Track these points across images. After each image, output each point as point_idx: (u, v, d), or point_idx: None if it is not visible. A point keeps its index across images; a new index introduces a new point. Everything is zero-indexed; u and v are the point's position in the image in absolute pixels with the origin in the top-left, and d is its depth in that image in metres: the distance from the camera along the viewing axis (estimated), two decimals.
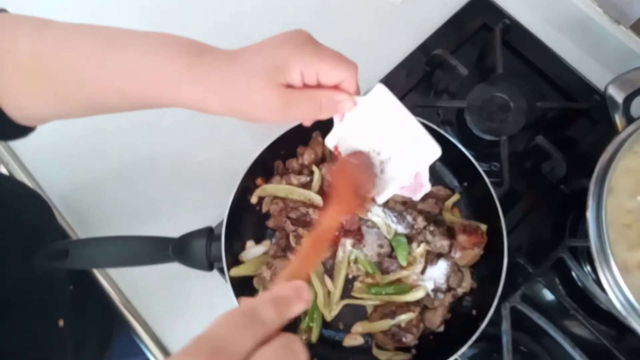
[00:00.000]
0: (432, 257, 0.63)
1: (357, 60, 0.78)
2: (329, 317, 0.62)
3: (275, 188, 0.64)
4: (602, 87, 0.72)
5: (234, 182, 0.61)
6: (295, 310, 0.35)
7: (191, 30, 0.50)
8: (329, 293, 0.63)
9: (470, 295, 0.64)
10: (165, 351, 0.67)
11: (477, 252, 0.63)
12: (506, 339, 0.61)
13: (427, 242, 0.62)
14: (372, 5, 0.83)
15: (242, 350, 0.31)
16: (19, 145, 0.78)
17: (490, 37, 0.76)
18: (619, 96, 0.61)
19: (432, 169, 0.66)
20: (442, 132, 0.64)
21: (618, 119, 0.61)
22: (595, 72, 0.76)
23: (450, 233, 0.64)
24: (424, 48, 0.79)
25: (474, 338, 0.57)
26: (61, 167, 0.76)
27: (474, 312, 0.63)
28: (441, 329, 0.63)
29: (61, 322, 0.59)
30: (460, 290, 0.63)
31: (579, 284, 0.65)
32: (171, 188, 0.74)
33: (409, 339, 0.59)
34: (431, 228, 0.62)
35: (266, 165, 0.67)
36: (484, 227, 0.63)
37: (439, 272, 0.62)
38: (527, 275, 0.65)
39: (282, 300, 0.34)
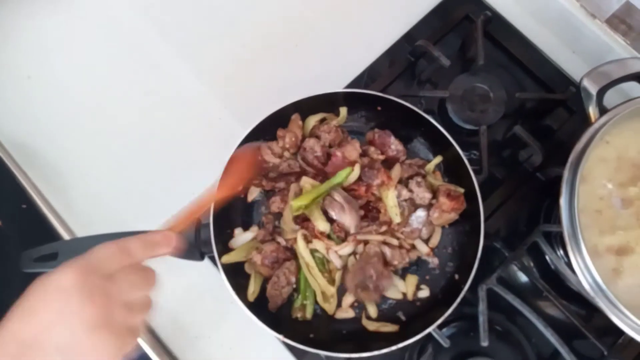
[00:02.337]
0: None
1: (344, 48, 0.81)
2: (332, 310, 0.64)
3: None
4: (579, 79, 0.75)
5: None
6: (160, 251, 0.46)
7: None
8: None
9: (452, 261, 0.68)
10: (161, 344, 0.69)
11: (453, 216, 0.66)
12: (482, 319, 0.63)
13: (411, 191, 0.65)
14: None
15: (108, 270, 0.42)
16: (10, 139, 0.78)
17: (472, 28, 0.78)
18: (592, 88, 0.63)
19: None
20: (422, 113, 0.67)
21: (592, 110, 0.63)
22: (573, 63, 0.79)
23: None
24: (409, 37, 0.81)
25: (458, 299, 0.60)
26: (50, 160, 0.77)
27: (456, 276, 0.66)
28: (426, 293, 0.66)
29: None
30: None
31: (552, 267, 0.68)
32: (155, 179, 0.75)
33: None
34: (419, 179, 0.65)
35: None
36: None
37: (416, 220, 0.66)
38: (503, 259, 0.68)
39: (150, 241, 0.46)
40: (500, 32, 0.80)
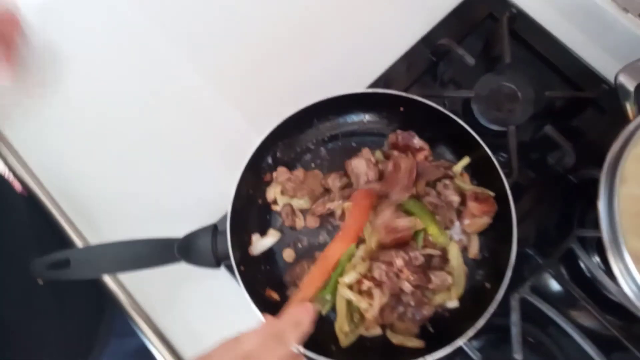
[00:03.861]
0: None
1: (361, 51, 0.79)
2: (344, 343, 0.60)
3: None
4: (609, 77, 0.71)
5: (234, 174, 0.60)
6: (306, 328, 0.46)
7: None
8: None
9: (482, 269, 0.64)
10: (172, 350, 0.67)
11: (486, 220, 0.62)
12: (515, 330, 0.60)
13: (438, 194, 0.62)
14: None
15: None
16: (17, 139, 0.77)
17: (496, 26, 0.75)
18: (630, 84, 0.60)
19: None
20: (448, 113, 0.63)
21: (629, 107, 0.60)
22: (603, 61, 0.75)
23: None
24: (428, 40, 0.78)
25: (491, 310, 0.56)
26: (61, 168, 0.75)
27: (487, 285, 0.62)
28: (455, 304, 0.62)
29: None
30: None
31: (588, 274, 0.64)
32: (166, 183, 0.74)
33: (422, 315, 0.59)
34: (446, 181, 0.62)
35: (267, 156, 0.66)
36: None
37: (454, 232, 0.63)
38: (536, 266, 0.64)
39: (297, 321, 0.46)
40: (526, 30, 0.77)
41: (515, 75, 0.71)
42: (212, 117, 0.76)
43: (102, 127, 0.76)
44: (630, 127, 0.57)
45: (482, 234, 0.64)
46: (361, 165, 0.62)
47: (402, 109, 0.67)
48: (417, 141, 0.65)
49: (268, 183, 0.65)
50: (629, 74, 0.60)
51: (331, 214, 0.64)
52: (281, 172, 0.63)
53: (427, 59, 0.76)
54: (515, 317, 0.60)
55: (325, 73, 0.76)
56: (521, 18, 0.77)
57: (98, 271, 0.58)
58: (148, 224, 0.69)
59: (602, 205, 0.54)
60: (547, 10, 0.78)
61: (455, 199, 0.61)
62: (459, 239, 0.64)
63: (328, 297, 0.58)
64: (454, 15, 0.79)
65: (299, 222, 0.63)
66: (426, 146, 0.66)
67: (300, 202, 0.63)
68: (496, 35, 0.74)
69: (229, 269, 0.58)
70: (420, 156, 0.65)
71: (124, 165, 0.75)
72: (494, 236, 0.64)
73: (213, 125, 0.76)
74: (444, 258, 0.63)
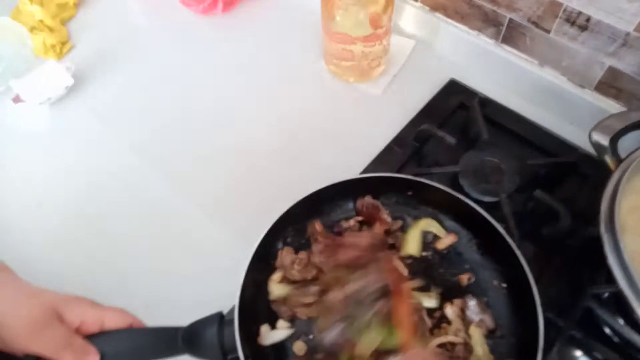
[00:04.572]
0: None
1: (344, 148, 0.83)
2: None
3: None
4: (582, 145, 0.76)
5: (241, 259, 0.58)
6: None
7: None
8: None
9: (504, 348, 0.60)
10: None
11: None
12: None
13: None
14: (356, 98, 0.90)
15: None
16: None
17: (469, 110, 0.81)
18: (604, 139, 0.64)
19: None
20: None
21: (609, 160, 0.63)
22: (573, 133, 0.80)
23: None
24: (406, 131, 0.83)
25: None
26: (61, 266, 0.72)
27: None
28: None
29: None
30: None
31: (610, 329, 0.61)
32: (173, 266, 0.72)
33: None
34: None
35: (277, 241, 0.65)
36: None
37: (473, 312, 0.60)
38: (556, 330, 0.61)
39: None
40: (496, 113, 0.83)
41: (495, 150, 0.75)
42: (217, 199, 0.78)
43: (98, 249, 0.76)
44: (615, 177, 0.60)
45: (493, 308, 0.62)
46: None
47: (410, 193, 0.68)
48: (384, 214, 0.66)
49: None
50: (601, 131, 0.64)
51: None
52: (286, 253, 0.61)
53: (410, 146, 0.81)
54: None
55: (314, 171, 0.78)
56: (490, 104, 0.84)
57: None
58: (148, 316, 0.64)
59: (612, 262, 0.54)
60: (512, 96, 0.86)
61: None
62: (479, 320, 0.61)
63: None
64: (429, 108, 0.86)
65: (302, 312, 0.60)
66: (389, 219, 0.66)
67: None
68: (471, 117, 0.80)
69: None
70: (381, 229, 0.64)
71: (120, 282, 0.72)
72: (511, 307, 0.62)
73: (223, 217, 0.76)
74: (467, 346, 0.59)
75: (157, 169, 0.81)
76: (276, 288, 0.60)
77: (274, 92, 0.91)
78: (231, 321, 0.52)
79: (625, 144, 0.64)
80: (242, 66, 0.95)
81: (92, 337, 0.47)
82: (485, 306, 0.62)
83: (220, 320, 0.52)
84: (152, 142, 0.85)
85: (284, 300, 0.60)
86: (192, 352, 0.50)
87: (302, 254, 0.62)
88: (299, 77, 0.93)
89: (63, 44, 0.98)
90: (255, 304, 0.59)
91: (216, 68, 0.95)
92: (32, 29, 0.97)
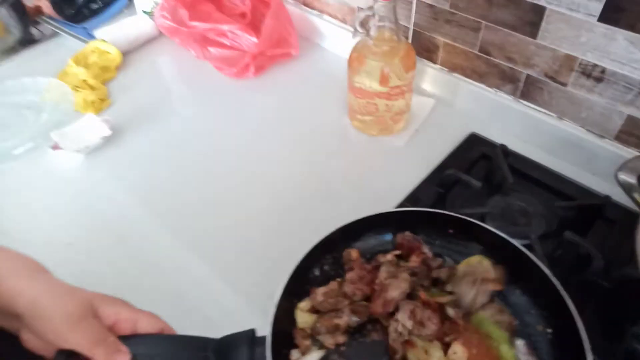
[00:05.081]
0: None
1: (369, 197, 0.84)
2: None
3: None
4: (606, 192, 0.77)
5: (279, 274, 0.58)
6: None
7: None
8: None
9: None
10: None
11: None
12: None
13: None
14: (380, 150, 0.93)
15: None
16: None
17: (492, 158, 0.83)
18: (631, 178, 0.65)
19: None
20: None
21: (638, 198, 0.63)
22: (596, 182, 0.81)
23: None
24: (430, 179, 0.85)
25: None
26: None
27: None
28: None
29: None
30: None
31: None
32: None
33: None
34: None
35: (314, 268, 0.64)
36: None
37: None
38: None
39: None
40: (518, 163, 0.85)
41: (520, 195, 0.76)
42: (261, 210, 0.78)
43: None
44: None
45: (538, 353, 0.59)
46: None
47: (451, 231, 0.67)
48: (424, 249, 0.65)
49: None
50: (626, 171, 0.65)
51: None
52: (319, 292, 0.60)
53: (434, 193, 0.82)
54: None
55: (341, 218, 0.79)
56: (511, 154, 0.86)
57: None
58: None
59: None
60: (532, 149, 0.88)
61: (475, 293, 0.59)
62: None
63: None
64: (450, 159, 0.88)
65: (327, 340, 0.58)
66: (430, 254, 0.65)
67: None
68: (494, 163, 0.82)
69: None
70: (418, 261, 0.63)
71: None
72: (556, 353, 0.59)
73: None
74: None
75: (179, 224, 0.82)
76: (302, 316, 0.59)
77: (302, 147, 0.94)
78: (263, 340, 0.51)
79: None
80: (271, 125, 0.99)
81: (125, 338, 0.46)
82: (532, 348, 0.59)
83: (252, 337, 0.50)
84: (177, 195, 0.87)
85: (309, 329, 0.58)
86: None
87: (333, 284, 0.61)
88: (325, 133, 0.97)
89: (102, 100, 1.04)
90: (288, 327, 0.58)
91: (247, 127, 0.99)
92: (75, 88, 1.05)
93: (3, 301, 0.45)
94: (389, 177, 0.88)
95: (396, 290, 0.57)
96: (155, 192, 0.87)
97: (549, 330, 0.60)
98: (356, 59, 0.87)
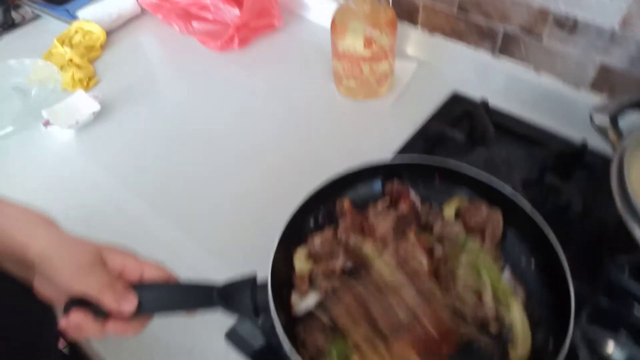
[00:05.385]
0: None
1: (362, 151, 0.87)
2: None
3: None
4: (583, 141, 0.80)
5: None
6: None
7: None
8: None
9: (541, 328, 0.59)
10: None
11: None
12: None
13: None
14: (366, 113, 0.95)
15: None
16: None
17: (475, 113, 0.86)
18: (604, 119, 0.68)
19: None
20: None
21: (611, 135, 0.67)
22: (573, 132, 0.84)
23: None
24: (417, 136, 0.88)
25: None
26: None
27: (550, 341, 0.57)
28: None
29: None
30: None
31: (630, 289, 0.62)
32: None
33: None
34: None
35: (309, 219, 0.67)
36: None
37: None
38: (583, 298, 0.61)
39: None
40: (499, 118, 0.88)
41: (502, 146, 0.80)
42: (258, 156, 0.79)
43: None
44: (619, 150, 0.63)
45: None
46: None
47: (437, 179, 0.70)
48: (411, 192, 0.68)
49: None
50: (600, 112, 0.69)
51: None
52: (315, 238, 0.63)
53: (420, 149, 0.85)
54: (584, 356, 0.56)
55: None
56: (492, 110, 0.89)
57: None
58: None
59: (628, 220, 0.57)
60: (513, 104, 0.91)
61: (460, 229, 0.62)
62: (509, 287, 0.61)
63: None
64: (435, 117, 0.91)
65: (323, 283, 0.61)
66: (418, 202, 0.69)
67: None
68: (476, 118, 0.85)
69: None
70: (406, 208, 0.67)
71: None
72: (539, 282, 0.63)
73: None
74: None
75: (170, 195, 0.84)
76: (300, 262, 0.62)
77: (291, 115, 0.96)
78: (264, 283, 0.54)
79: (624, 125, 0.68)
80: (258, 96, 1.01)
81: (132, 286, 0.49)
82: (517, 276, 0.62)
83: (254, 281, 0.53)
84: (170, 167, 0.89)
85: (307, 274, 0.61)
86: (227, 307, 0.51)
87: (328, 231, 0.64)
88: (311, 100, 0.99)
89: (90, 78, 1.05)
90: (287, 273, 0.61)
91: (234, 98, 1.01)
92: (62, 67, 1.05)
93: (17, 251, 0.47)
94: (376, 138, 0.90)
95: (383, 227, 0.60)
96: (146, 166, 0.89)
97: (532, 260, 0.64)
98: (338, 22, 0.89)
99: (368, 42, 0.87)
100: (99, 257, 0.48)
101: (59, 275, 0.46)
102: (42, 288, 0.48)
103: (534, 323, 0.59)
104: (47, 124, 0.94)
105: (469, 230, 0.65)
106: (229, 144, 0.92)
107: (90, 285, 0.46)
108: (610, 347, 0.58)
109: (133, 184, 0.86)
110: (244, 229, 0.78)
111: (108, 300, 0.47)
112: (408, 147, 0.86)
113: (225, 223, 0.79)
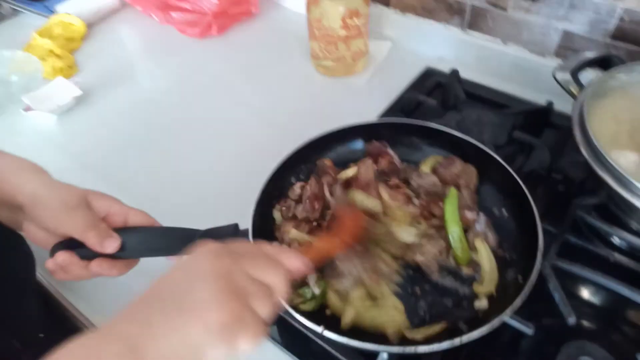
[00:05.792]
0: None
1: (342, 123, 0.89)
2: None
3: None
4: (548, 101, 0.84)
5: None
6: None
7: None
8: None
9: (512, 267, 0.62)
10: None
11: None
12: (559, 295, 0.58)
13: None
14: (343, 89, 0.98)
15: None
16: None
17: (446, 83, 0.90)
18: (566, 75, 0.72)
19: None
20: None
21: (573, 89, 0.71)
22: (541, 98, 0.88)
23: None
24: (392, 108, 0.91)
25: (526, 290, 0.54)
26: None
27: (519, 277, 0.59)
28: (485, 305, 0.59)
29: None
30: None
31: (597, 227, 0.66)
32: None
33: None
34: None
35: (290, 177, 0.70)
36: None
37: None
38: (552, 236, 0.64)
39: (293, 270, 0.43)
40: (471, 87, 0.92)
41: (474, 110, 0.83)
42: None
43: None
44: (580, 97, 0.67)
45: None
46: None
47: (414, 138, 0.74)
48: (389, 150, 0.72)
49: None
50: (562, 70, 0.73)
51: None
52: (296, 186, 0.66)
53: (398, 117, 0.88)
54: (553, 284, 0.59)
55: None
56: (464, 81, 0.93)
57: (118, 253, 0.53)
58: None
59: (589, 160, 0.60)
60: (483, 76, 0.95)
61: (435, 179, 0.65)
62: (484, 233, 0.64)
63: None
64: (409, 89, 0.94)
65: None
66: (397, 159, 0.72)
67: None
68: (448, 86, 0.88)
69: None
70: (386, 164, 0.70)
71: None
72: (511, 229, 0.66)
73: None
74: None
75: (152, 176, 0.85)
76: (279, 215, 0.64)
77: (270, 96, 0.99)
78: (245, 232, 0.55)
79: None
80: (238, 79, 1.04)
81: (117, 229, 0.50)
82: (490, 223, 0.65)
83: (235, 229, 0.55)
84: (153, 150, 0.90)
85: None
86: None
87: (311, 180, 0.66)
88: (289, 80, 1.02)
89: (70, 67, 1.06)
90: (267, 224, 0.63)
91: (215, 83, 1.03)
92: (42, 58, 1.06)
93: (7, 195, 0.49)
94: (353, 112, 0.92)
95: (365, 175, 0.62)
96: (128, 148, 0.90)
97: (505, 209, 0.67)
98: (313, 1, 0.92)
99: (343, 20, 0.91)
100: (84, 200, 0.50)
101: (47, 217, 0.48)
102: (31, 232, 0.50)
103: (505, 264, 0.62)
104: (28, 109, 0.95)
105: (444, 182, 0.68)
106: (209, 125, 0.94)
107: (75, 225, 0.48)
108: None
109: (115, 163, 0.87)
110: (227, 201, 0.79)
111: (92, 240, 0.48)
112: (385, 117, 0.89)
113: (208, 199, 0.80)
